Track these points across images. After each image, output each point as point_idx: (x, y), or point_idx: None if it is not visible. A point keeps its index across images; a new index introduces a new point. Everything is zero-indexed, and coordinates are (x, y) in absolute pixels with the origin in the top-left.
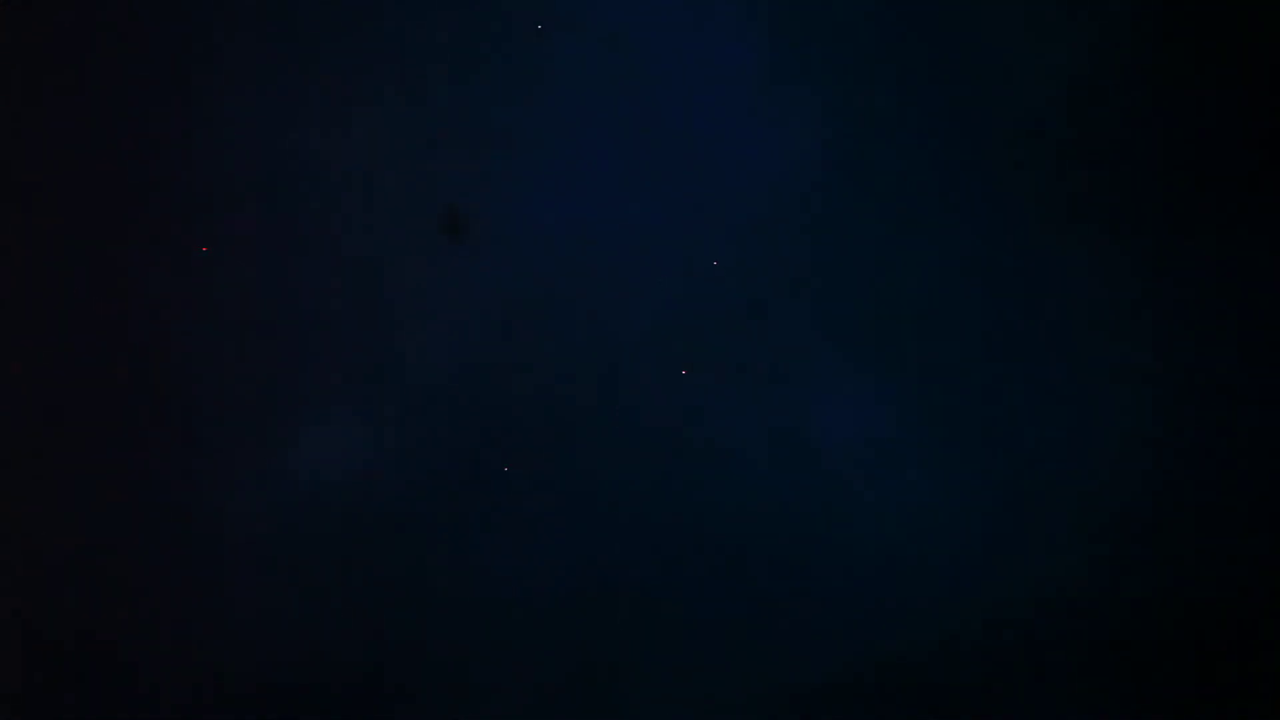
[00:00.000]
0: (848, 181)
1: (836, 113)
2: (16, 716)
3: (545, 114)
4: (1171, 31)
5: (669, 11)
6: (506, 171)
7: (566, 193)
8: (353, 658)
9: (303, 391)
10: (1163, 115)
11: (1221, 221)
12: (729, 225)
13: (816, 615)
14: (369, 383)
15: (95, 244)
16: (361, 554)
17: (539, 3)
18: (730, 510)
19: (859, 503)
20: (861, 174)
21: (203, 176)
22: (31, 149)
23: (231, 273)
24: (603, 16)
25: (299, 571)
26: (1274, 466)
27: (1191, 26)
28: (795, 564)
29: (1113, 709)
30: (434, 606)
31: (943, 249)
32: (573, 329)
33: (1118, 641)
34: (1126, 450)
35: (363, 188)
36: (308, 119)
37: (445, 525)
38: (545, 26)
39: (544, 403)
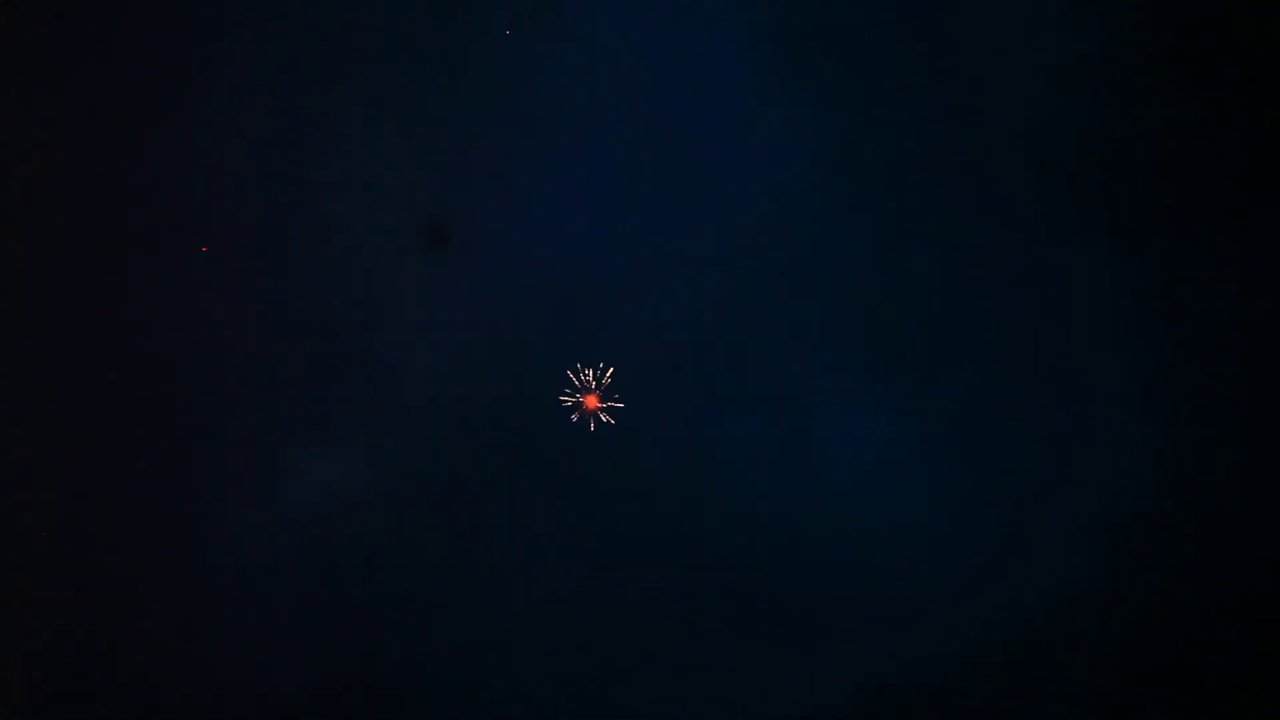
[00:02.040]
0: (846, 189)
1: (836, 121)
2: (16, 717)
3: (545, 125)
4: (1172, 33)
5: (667, 20)
6: (507, 185)
7: (567, 206)
8: (353, 668)
9: (303, 404)
10: (1163, 117)
11: (1221, 224)
12: (728, 236)
13: (820, 625)
14: (369, 396)
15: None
16: (362, 566)
17: (534, 13)
18: (733, 521)
19: (863, 512)
20: (861, 181)
21: (199, 188)
22: (31, 150)
23: (229, 290)
24: (600, 25)
25: (301, 583)
26: (1275, 466)
27: (1191, 28)
28: (799, 574)
29: (1119, 714)
30: (435, 618)
31: (943, 256)
32: (572, 343)
33: (1126, 646)
34: (1128, 454)
35: (363, 203)
36: (306, 130)
37: (445, 537)
38: (545, 35)
39: (545, 417)
